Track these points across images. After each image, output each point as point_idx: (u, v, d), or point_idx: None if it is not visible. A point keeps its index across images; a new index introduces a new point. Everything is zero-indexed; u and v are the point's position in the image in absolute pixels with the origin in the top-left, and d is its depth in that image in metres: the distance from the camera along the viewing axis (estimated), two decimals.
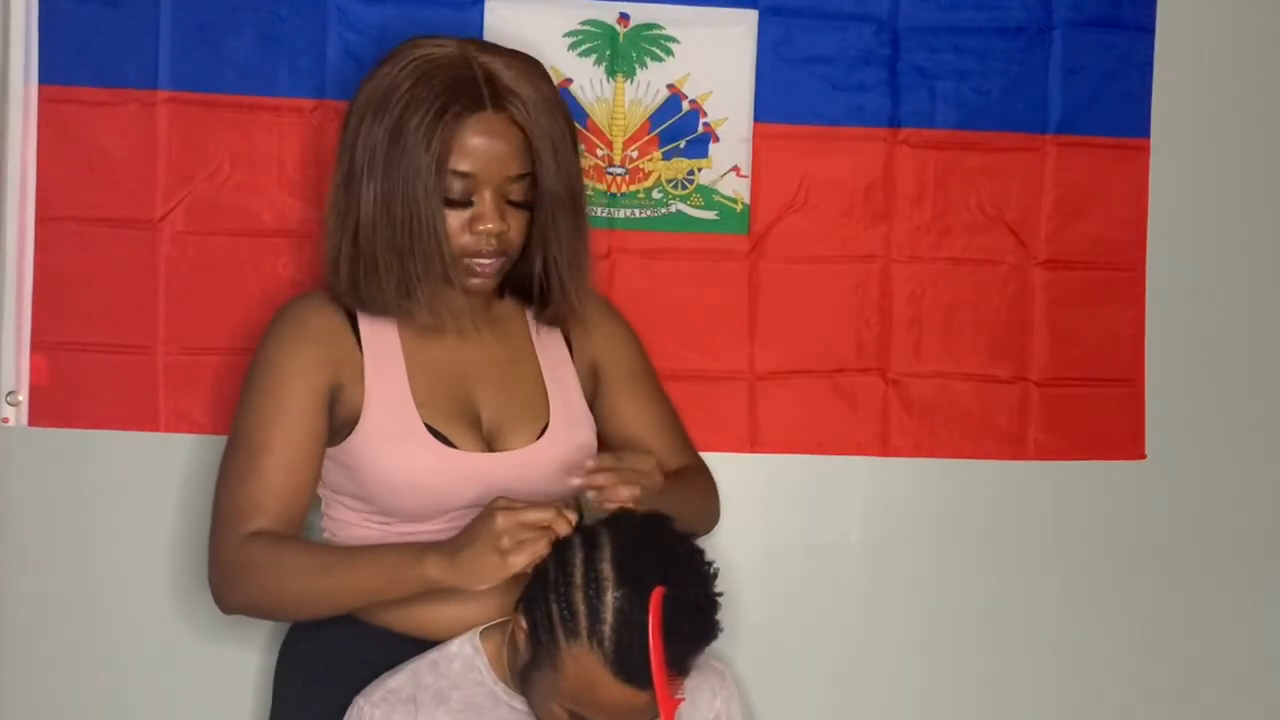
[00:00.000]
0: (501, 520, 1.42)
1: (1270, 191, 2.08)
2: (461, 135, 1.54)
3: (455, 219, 1.57)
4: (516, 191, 1.59)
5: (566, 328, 1.74)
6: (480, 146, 1.55)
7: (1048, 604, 2.07)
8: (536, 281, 1.68)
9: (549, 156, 1.60)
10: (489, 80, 1.55)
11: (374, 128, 1.56)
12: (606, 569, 1.39)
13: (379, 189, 1.55)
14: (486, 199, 1.57)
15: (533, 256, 1.66)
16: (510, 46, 1.64)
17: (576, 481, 1.54)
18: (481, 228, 1.57)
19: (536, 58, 1.65)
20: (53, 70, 1.86)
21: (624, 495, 1.50)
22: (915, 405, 2.00)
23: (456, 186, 1.55)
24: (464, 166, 1.54)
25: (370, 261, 1.57)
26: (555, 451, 1.64)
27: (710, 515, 1.85)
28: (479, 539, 1.43)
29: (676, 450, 1.81)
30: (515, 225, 1.60)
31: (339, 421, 1.60)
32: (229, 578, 1.57)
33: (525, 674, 1.46)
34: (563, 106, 1.64)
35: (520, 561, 1.42)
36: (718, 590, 1.46)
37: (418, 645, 1.58)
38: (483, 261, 1.60)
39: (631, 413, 1.78)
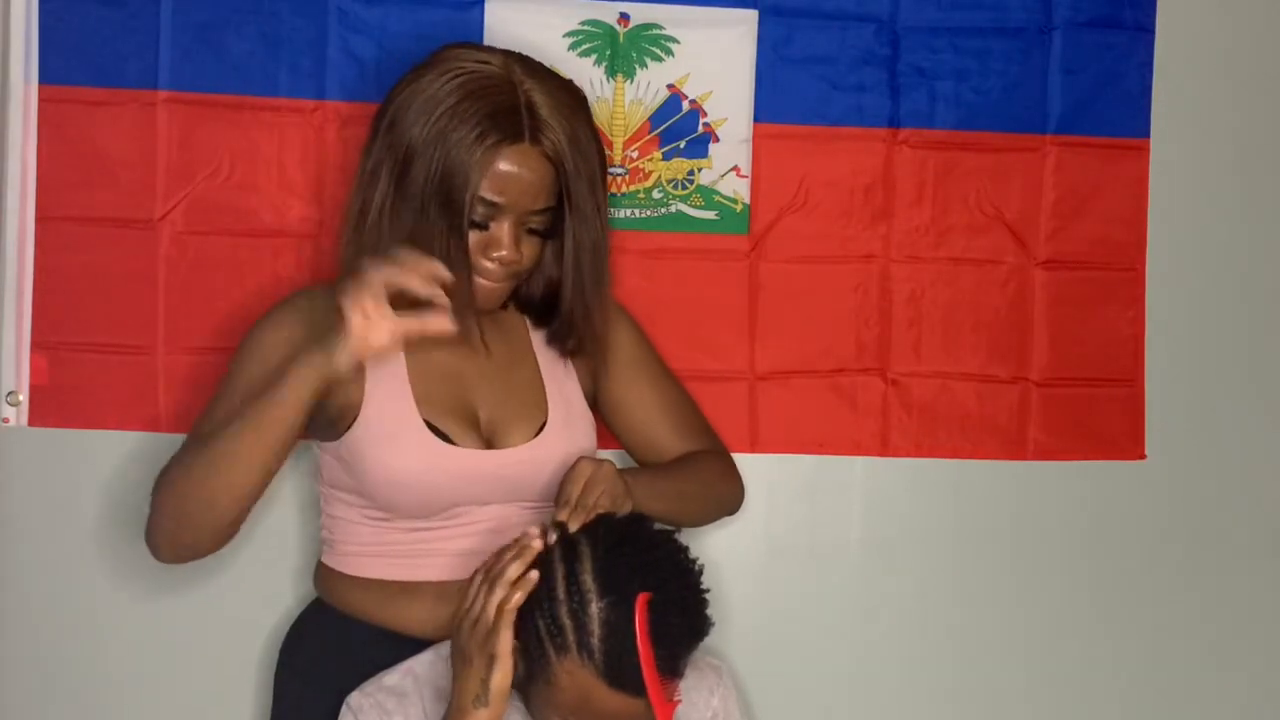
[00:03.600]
0: (353, 321, 1.42)
1: (1270, 191, 2.08)
2: (496, 164, 1.53)
3: (471, 239, 1.57)
4: (537, 221, 1.59)
5: (578, 355, 1.74)
6: (511, 178, 1.54)
7: (1047, 604, 2.07)
8: (564, 317, 1.68)
9: (586, 198, 1.60)
10: (530, 109, 1.55)
11: (409, 133, 1.55)
12: (588, 580, 1.39)
13: (406, 198, 1.54)
14: (506, 229, 1.57)
15: (562, 292, 1.66)
16: (550, 68, 1.64)
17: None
18: (497, 254, 1.57)
19: (579, 86, 1.65)
20: (53, 70, 1.86)
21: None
22: (915, 405, 2.00)
23: (480, 211, 1.55)
24: (492, 196, 1.54)
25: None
26: (554, 449, 1.64)
27: (725, 499, 1.83)
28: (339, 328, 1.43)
29: (683, 434, 1.80)
30: (529, 253, 1.61)
31: (335, 414, 1.59)
32: (155, 508, 1.52)
33: (523, 689, 1.46)
34: (598, 141, 1.64)
35: (395, 330, 1.43)
36: (704, 586, 1.46)
37: (417, 645, 1.58)
38: (492, 283, 1.60)
39: (632, 402, 1.78)
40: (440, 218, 1.54)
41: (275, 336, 1.58)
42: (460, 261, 1.55)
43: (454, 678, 1.43)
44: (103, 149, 1.87)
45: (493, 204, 1.55)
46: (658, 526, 1.49)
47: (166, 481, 1.52)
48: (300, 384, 1.45)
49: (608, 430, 1.80)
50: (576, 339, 1.69)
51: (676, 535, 1.48)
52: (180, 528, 1.51)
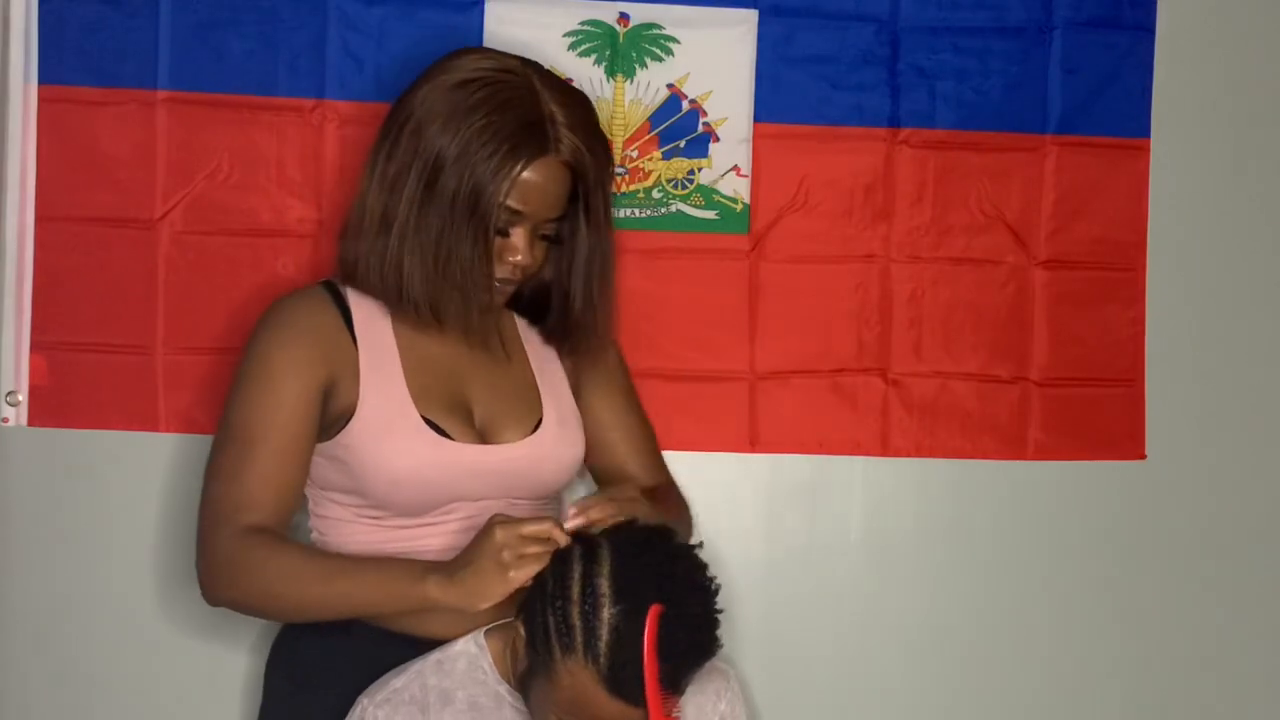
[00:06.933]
0: (500, 534, 1.43)
1: (1270, 191, 2.08)
2: (522, 175, 1.56)
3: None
4: (550, 228, 1.62)
5: (581, 357, 1.75)
6: (535, 189, 1.57)
7: (1047, 604, 2.07)
8: (573, 320, 1.69)
9: (601, 208, 1.64)
10: (553, 121, 1.57)
11: (438, 142, 1.55)
12: (603, 584, 1.38)
13: (434, 205, 1.56)
14: (522, 234, 1.59)
15: (571, 296, 1.68)
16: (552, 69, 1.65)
17: (574, 521, 1.51)
18: (513, 259, 1.60)
19: (586, 93, 1.67)
20: (53, 70, 1.86)
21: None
22: (915, 405, 2.00)
23: (504, 219, 1.58)
24: (517, 204, 1.57)
25: (413, 265, 1.58)
26: (552, 446, 1.66)
27: (686, 534, 1.82)
28: (479, 556, 1.44)
29: (643, 461, 1.81)
30: (540, 256, 1.63)
31: (332, 416, 1.60)
32: (223, 572, 1.56)
33: (524, 681, 1.46)
34: (608, 149, 1.66)
35: (521, 576, 1.42)
36: (718, 607, 1.45)
37: (415, 645, 1.57)
38: (503, 283, 1.62)
39: (608, 418, 1.79)
40: (466, 224, 1.56)
41: (286, 358, 1.58)
42: (484, 267, 1.58)
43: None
44: (102, 149, 1.87)
45: (516, 212, 1.57)
46: (679, 541, 1.49)
47: (251, 572, 1.54)
48: (411, 604, 1.50)
49: None
50: (582, 341, 1.71)
51: (697, 551, 1.47)
52: (245, 605, 1.59)
